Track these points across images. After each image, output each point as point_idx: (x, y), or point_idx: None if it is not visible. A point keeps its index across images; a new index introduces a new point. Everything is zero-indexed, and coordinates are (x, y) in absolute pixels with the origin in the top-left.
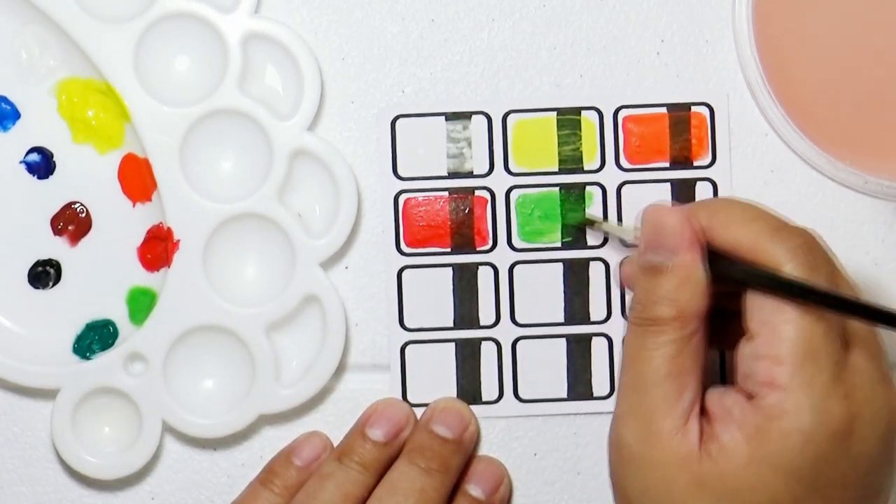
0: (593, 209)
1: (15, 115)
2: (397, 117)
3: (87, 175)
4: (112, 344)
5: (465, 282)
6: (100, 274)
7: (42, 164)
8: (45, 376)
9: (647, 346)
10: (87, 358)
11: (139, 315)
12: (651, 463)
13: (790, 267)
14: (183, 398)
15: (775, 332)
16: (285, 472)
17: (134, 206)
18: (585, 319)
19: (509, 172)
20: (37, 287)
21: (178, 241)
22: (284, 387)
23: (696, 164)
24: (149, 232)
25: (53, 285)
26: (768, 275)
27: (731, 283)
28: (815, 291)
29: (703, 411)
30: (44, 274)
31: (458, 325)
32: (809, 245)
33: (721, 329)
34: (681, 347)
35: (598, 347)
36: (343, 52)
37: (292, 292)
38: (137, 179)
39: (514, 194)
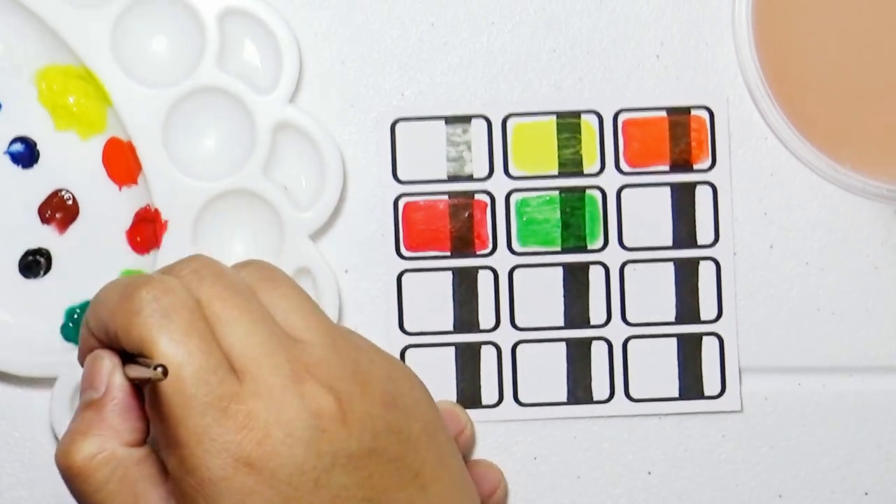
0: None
1: None
2: (397, 121)
3: (72, 162)
4: None
5: (464, 286)
6: (90, 259)
7: (26, 154)
8: (41, 366)
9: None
10: None
11: None
12: None
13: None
14: None
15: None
16: None
17: (120, 189)
18: (585, 323)
19: (509, 176)
20: (28, 277)
21: (167, 221)
22: None
23: (696, 167)
24: (136, 215)
25: (45, 274)
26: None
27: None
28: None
29: None
30: (35, 263)
31: (457, 329)
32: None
33: None
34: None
35: (598, 351)
36: (342, 55)
37: (283, 266)
38: (122, 163)
39: (514, 198)
